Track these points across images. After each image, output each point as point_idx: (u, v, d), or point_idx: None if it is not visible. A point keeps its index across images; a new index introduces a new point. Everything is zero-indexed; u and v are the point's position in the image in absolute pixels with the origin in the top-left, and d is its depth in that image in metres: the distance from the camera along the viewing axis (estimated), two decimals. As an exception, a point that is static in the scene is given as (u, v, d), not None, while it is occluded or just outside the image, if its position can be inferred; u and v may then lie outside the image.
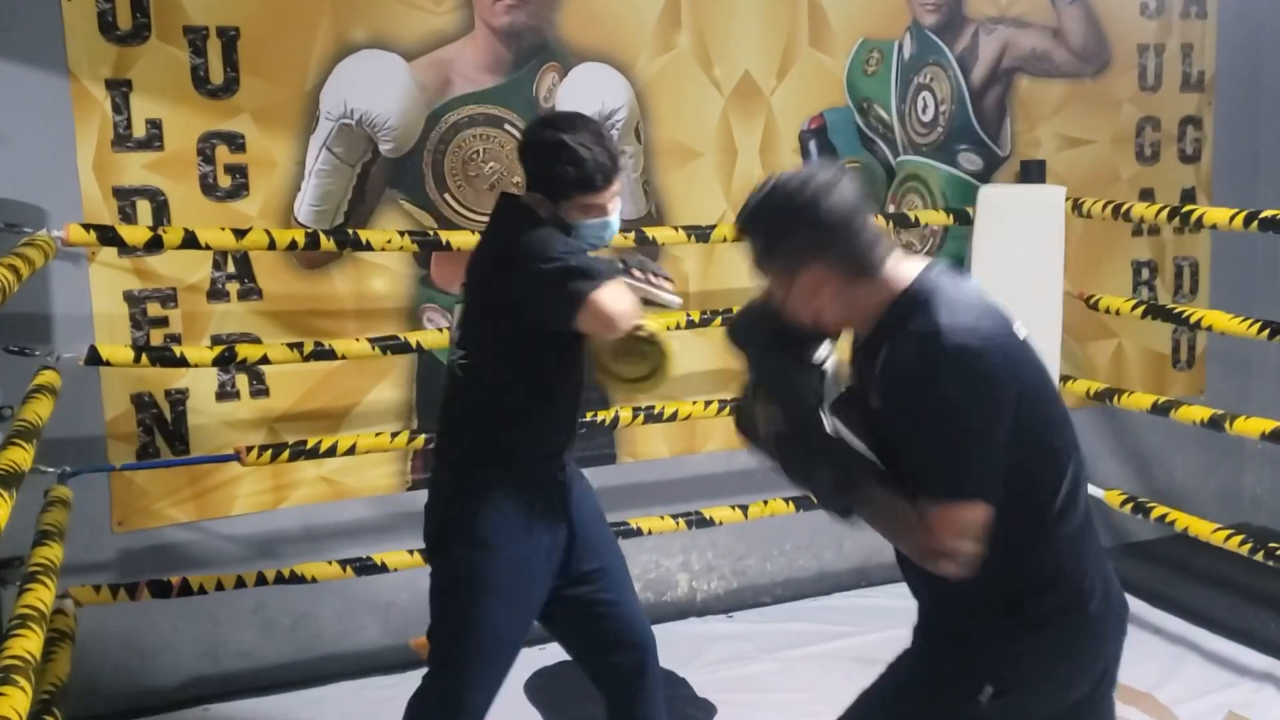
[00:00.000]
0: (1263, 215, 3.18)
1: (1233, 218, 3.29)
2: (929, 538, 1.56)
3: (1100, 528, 1.83)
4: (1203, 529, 3.43)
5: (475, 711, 2.28)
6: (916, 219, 3.79)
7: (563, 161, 2.21)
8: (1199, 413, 3.47)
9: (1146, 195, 4.19)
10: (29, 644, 1.84)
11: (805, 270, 1.64)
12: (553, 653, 3.42)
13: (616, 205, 2.31)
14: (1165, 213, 3.59)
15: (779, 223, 1.66)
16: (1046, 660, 1.69)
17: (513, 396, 2.27)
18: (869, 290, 1.65)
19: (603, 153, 2.22)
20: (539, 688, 3.23)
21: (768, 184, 1.68)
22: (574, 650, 2.47)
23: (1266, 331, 3.20)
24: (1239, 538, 3.33)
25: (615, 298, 2.15)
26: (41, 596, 2.10)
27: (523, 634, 2.31)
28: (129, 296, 3.08)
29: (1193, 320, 3.50)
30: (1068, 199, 3.77)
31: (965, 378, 1.55)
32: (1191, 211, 3.51)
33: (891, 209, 3.88)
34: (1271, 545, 3.27)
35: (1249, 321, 3.27)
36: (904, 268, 1.67)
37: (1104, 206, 3.73)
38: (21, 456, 2.03)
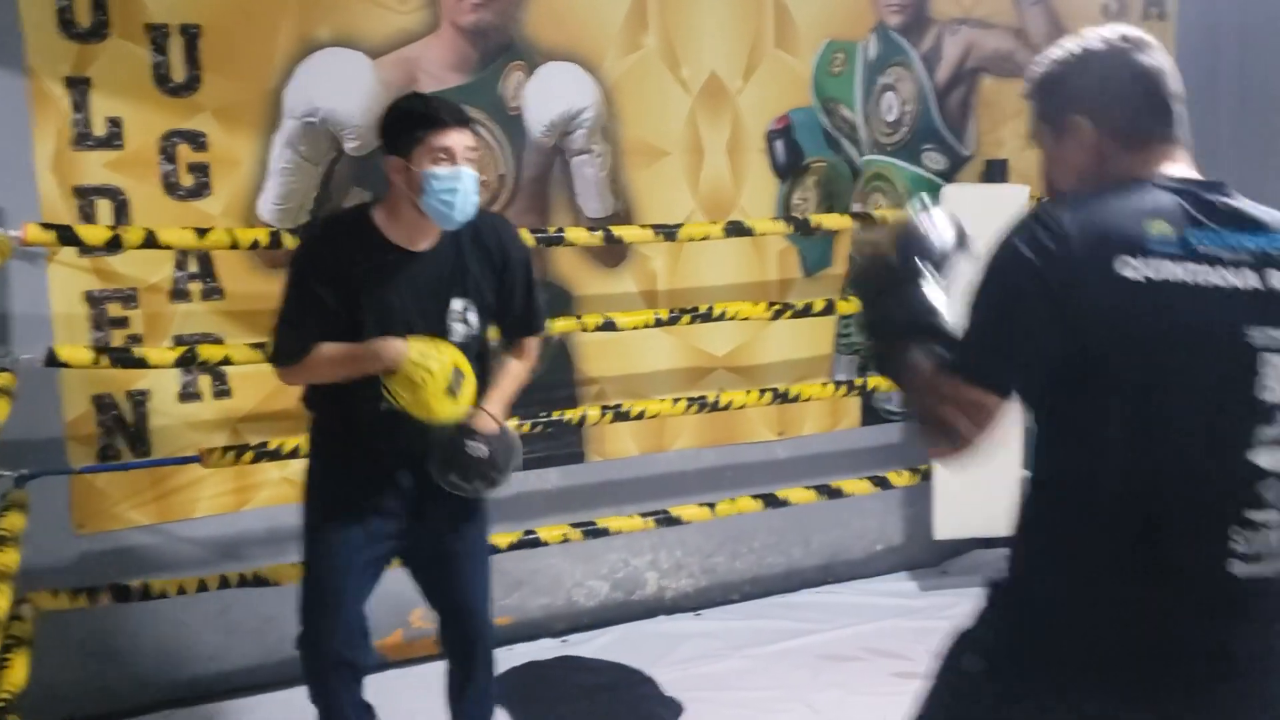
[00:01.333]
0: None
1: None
2: (929, 400, 1.44)
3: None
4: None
5: (312, 653, 2.47)
6: (882, 218, 3.81)
7: (403, 109, 2.33)
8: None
9: (1108, 194, 4.24)
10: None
11: (1074, 129, 1.54)
12: (520, 653, 3.43)
13: (469, 169, 2.28)
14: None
15: (1065, 73, 1.56)
16: (1023, 650, 1.49)
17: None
18: (1128, 170, 1.50)
19: (449, 105, 2.33)
20: (506, 688, 3.22)
21: (1073, 38, 1.59)
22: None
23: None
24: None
25: (294, 378, 2.41)
26: (-2, 604, 2.07)
27: (325, 554, 2.43)
28: (89, 297, 3.04)
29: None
30: (1031, 198, 3.80)
31: (997, 254, 1.44)
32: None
33: (857, 208, 3.90)
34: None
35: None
36: (1168, 166, 1.51)
37: (1067, 205, 3.76)
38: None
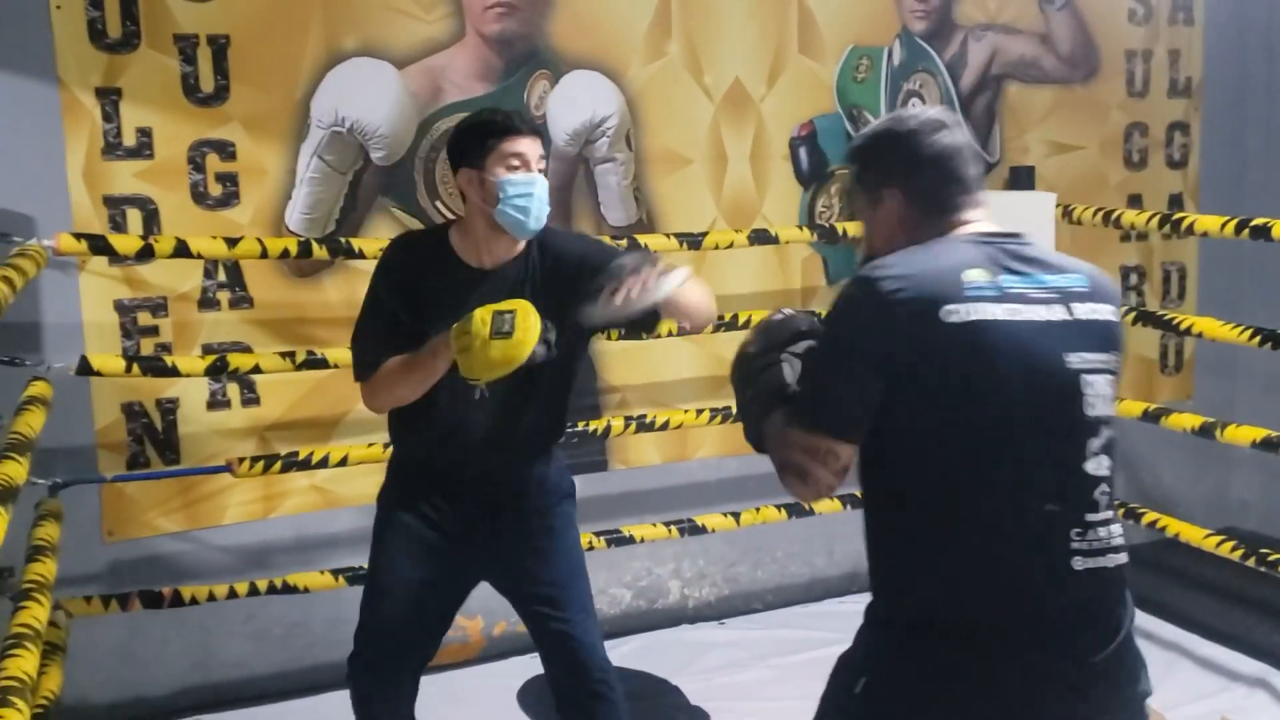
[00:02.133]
0: (1253, 223, 3.19)
1: (1223, 225, 3.30)
2: (780, 447, 1.64)
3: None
4: (1194, 534, 3.45)
5: (369, 687, 2.45)
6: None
7: (470, 124, 2.32)
8: (1189, 420, 3.48)
9: (1134, 201, 4.22)
10: (25, 664, 1.83)
11: (885, 199, 1.70)
12: (545, 661, 3.42)
13: (543, 178, 2.25)
14: (1155, 220, 3.61)
15: (877, 148, 1.74)
16: (908, 672, 1.61)
17: None
18: (933, 235, 1.67)
19: (508, 110, 2.34)
20: (531, 696, 3.22)
21: (886, 118, 1.78)
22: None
23: (1257, 338, 3.21)
24: (1230, 543, 3.35)
25: (374, 399, 2.32)
26: (37, 614, 2.09)
27: (394, 582, 2.39)
28: (119, 305, 3.07)
29: (1181, 326, 3.51)
30: (1057, 205, 3.79)
31: (834, 314, 1.63)
32: (1181, 219, 3.53)
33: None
34: (1262, 550, 3.29)
35: (1238, 328, 3.29)
36: (968, 226, 1.67)
37: (1094, 213, 3.74)
38: (16, 471, 2.02)
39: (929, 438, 1.56)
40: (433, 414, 2.30)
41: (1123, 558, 1.61)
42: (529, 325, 2.11)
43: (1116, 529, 1.61)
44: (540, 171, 2.27)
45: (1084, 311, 1.61)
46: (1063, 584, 1.56)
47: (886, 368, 1.55)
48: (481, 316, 2.11)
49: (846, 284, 1.62)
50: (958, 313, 1.54)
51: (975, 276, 1.57)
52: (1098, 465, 1.59)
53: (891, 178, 1.70)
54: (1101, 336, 1.62)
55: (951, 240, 1.64)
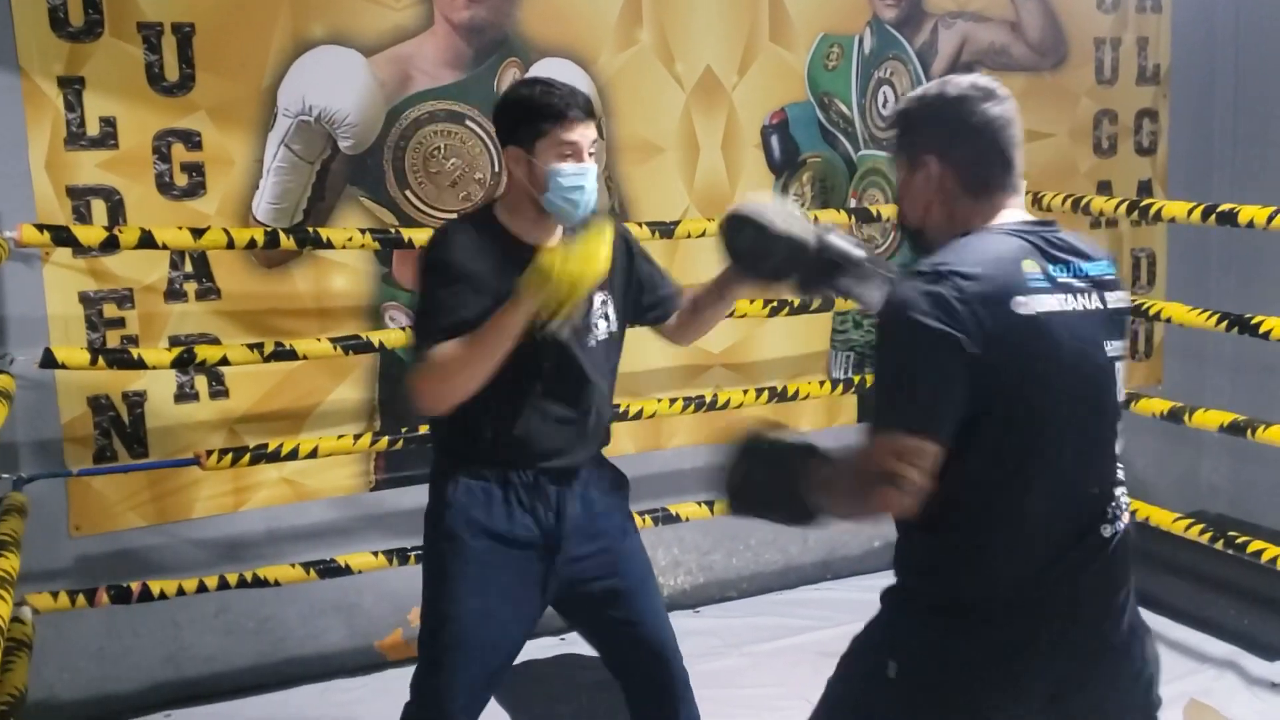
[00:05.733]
0: (1220, 209, 3.22)
1: (1190, 211, 3.33)
2: (865, 462, 1.57)
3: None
4: (1163, 518, 3.48)
5: (445, 699, 2.22)
6: (878, 213, 3.81)
7: (522, 101, 2.15)
8: (1158, 405, 3.51)
9: (1104, 187, 4.24)
10: (-15, 657, 1.80)
11: (924, 165, 1.67)
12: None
13: (594, 165, 2.14)
14: (1124, 206, 3.63)
15: (921, 112, 1.70)
16: (950, 655, 1.62)
17: None
18: (969, 212, 1.65)
19: (572, 94, 2.14)
20: (505, 687, 3.21)
21: (935, 82, 1.74)
22: (600, 653, 2.43)
23: (1224, 323, 3.24)
24: (1199, 526, 3.38)
25: (432, 393, 2.05)
26: (-1, 610, 2.06)
27: (490, 632, 2.21)
28: (85, 298, 3.03)
29: (1151, 312, 3.54)
30: (1027, 192, 3.80)
31: (904, 311, 1.56)
32: (1150, 205, 3.55)
33: (853, 204, 3.90)
34: (1230, 533, 3.32)
35: (1205, 313, 3.32)
36: (1006, 213, 1.66)
37: (1063, 200, 3.76)
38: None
39: (986, 426, 1.56)
40: (504, 408, 2.14)
41: (1129, 519, 1.71)
42: (602, 240, 2.02)
43: (1123, 494, 1.70)
44: (592, 156, 2.15)
45: (1113, 300, 1.66)
46: (1095, 553, 1.64)
47: (965, 360, 1.53)
48: (552, 248, 2.02)
49: (908, 281, 1.58)
50: (1026, 304, 1.55)
51: (1032, 268, 1.59)
52: (1122, 445, 1.69)
53: (933, 142, 1.66)
54: (1122, 325, 1.69)
55: (998, 231, 1.63)
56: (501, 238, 2.17)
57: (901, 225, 1.76)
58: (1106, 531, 1.65)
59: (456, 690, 2.20)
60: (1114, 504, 1.67)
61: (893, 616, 1.71)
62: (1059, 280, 1.60)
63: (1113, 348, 1.65)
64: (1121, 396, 1.68)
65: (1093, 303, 1.63)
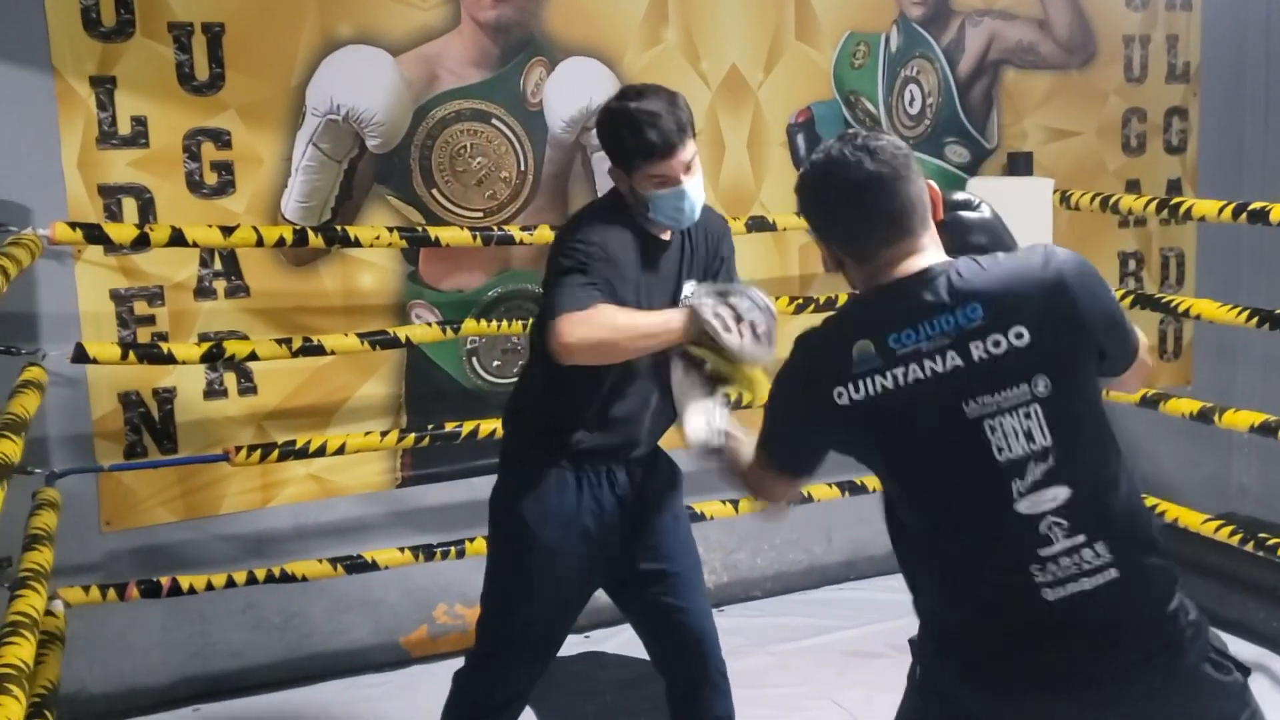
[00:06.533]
0: (1251, 207, 3.18)
1: (1221, 210, 3.30)
2: (747, 471, 1.82)
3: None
4: (1192, 519, 3.45)
5: (497, 690, 2.30)
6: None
7: (621, 129, 2.19)
8: (1188, 405, 3.48)
9: (1133, 186, 4.21)
10: (21, 652, 1.83)
11: (821, 243, 1.70)
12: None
13: (694, 177, 2.20)
14: (1153, 205, 3.60)
15: (800, 199, 1.72)
16: (938, 670, 1.67)
17: (536, 380, 2.31)
18: (869, 275, 1.64)
19: (668, 119, 2.15)
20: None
21: (809, 158, 1.71)
22: (643, 640, 2.49)
23: (1254, 319, 3.21)
24: (1229, 528, 3.35)
25: (577, 330, 2.05)
26: (33, 603, 2.10)
27: (555, 632, 2.31)
28: (115, 295, 3.06)
29: (1180, 309, 3.51)
30: (1055, 191, 3.78)
31: (790, 355, 1.69)
32: (1180, 204, 3.52)
33: (880, 202, 3.88)
34: (1261, 535, 3.29)
35: (1236, 309, 3.29)
36: (907, 263, 1.60)
37: (1092, 199, 3.73)
38: (10, 448, 2.02)
39: (886, 486, 1.67)
40: (590, 398, 2.22)
41: (1110, 574, 1.54)
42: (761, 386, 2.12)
43: (1099, 549, 1.53)
44: (689, 173, 2.19)
45: (980, 350, 1.54)
46: (1039, 618, 1.54)
47: (814, 423, 1.65)
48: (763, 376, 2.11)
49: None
50: (845, 394, 1.57)
51: (863, 349, 1.57)
52: (1034, 503, 1.53)
53: (814, 226, 1.69)
54: (1007, 370, 1.53)
55: (855, 302, 1.69)
56: (633, 228, 2.24)
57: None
58: (1050, 596, 1.53)
59: (511, 683, 2.28)
60: (1048, 566, 1.53)
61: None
62: (899, 353, 1.55)
63: (981, 404, 1.53)
64: (1019, 452, 1.53)
65: (949, 363, 1.54)
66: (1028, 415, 1.53)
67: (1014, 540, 1.54)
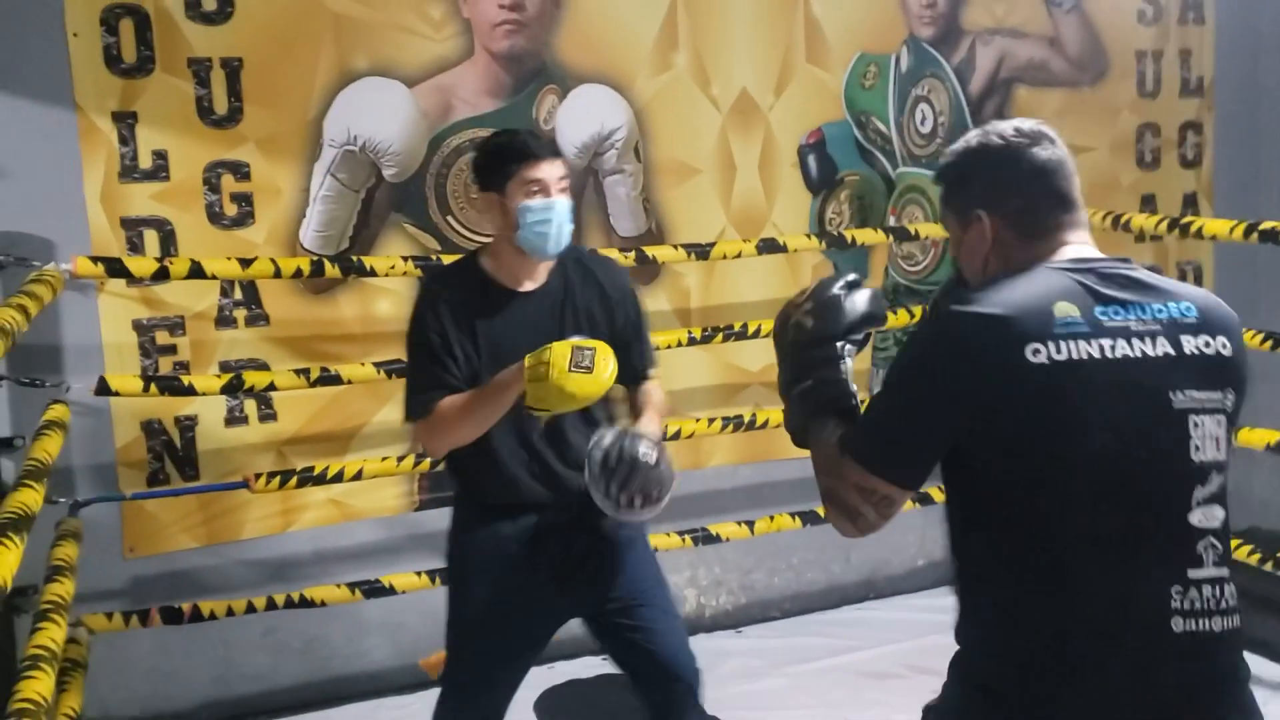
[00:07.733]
0: (1262, 227, 3.17)
1: (1232, 229, 3.29)
2: (836, 482, 1.53)
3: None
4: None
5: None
6: (917, 232, 3.80)
7: (492, 143, 2.36)
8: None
9: (1148, 201, 4.20)
10: (40, 686, 1.85)
11: (976, 221, 1.58)
12: (561, 672, 3.44)
13: (564, 199, 2.27)
14: (1165, 224, 3.59)
15: (966, 167, 1.62)
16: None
17: None
18: (1027, 256, 1.54)
19: (537, 137, 2.36)
20: (548, 707, 3.24)
21: (976, 132, 1.64)
22: (619, 667, 2.52)
23: (1268, 343, 3.20)
24: (1248, 547, 3.33)
25: (432, 439, 2.28)
26: (53, 635, 2.12)
27: (490, 668, 2.36)
28: (138, 325, 3.12)
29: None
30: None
31: (913, 348, 1.56)
32: (1190, 223, 3.51)
33: (892, 221, 3.90)
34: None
35: (1248, 331, 3.27)
36: (1069, 249, 1.54)
37: (1103, 218, 3.73)
38: (32, 498, 2.05)
39: (1015, 493, 1.44)
40: (502, 451, 2.29)
41: (1233, 621, 1.46)
42: (608, 365, 2.11)
43: (1229, 590, 1.45)
44: (561, 192, 2.28)
45: (1193, 345, 1.47)
46: (1158, 650, 1.42)
47: (964, 414, 1.44)
48: (561, 350, 2.10)
49: (928, 316, 1.55)
50: (1043, 352, 1.42)
51: (1066, 310, 1.44)
52: (1205, 516, 1.45)
53: (983, 197, 1.57)
54: (1212, 372, 1.48)
55: (1045, 269, 1.51)
56: (484, 283, 2.32)
57: (959, 282, 1.65)
58: (1178, 626, 1.41)
59: (477, 710, 2.38)
60: (1189, 591, 1.42)
61: (949, 685, 1.59)
62: (1107, 324, 1.45)
63: (1192, 398, 1.45)
64: (1210, 456, 1.46)
65: (1159, 348, 1.45)
66: (1219, 423, 1.48)
67: (1171, 553, 1.44)
